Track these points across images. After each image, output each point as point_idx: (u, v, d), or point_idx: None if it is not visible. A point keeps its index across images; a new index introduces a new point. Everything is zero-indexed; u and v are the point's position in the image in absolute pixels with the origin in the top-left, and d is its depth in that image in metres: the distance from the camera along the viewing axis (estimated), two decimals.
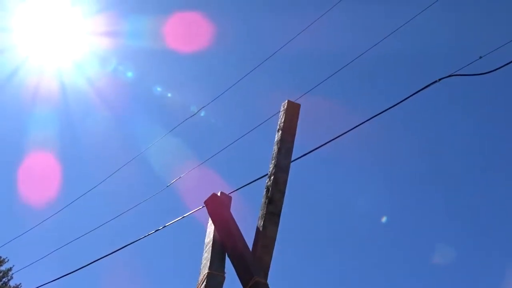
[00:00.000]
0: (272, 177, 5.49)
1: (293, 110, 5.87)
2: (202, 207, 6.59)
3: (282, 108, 5.91)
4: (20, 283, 16.96)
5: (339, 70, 7.30)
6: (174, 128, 9.71)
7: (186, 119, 9.29)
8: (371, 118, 6.31)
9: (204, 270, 5.40)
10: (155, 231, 7.51)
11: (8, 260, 16.56)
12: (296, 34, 9.18)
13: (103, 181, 9.56)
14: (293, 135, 5.76)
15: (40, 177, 13.75)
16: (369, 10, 11.45)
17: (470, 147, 12.96)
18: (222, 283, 5.39)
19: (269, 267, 5.35)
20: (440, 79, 6.30)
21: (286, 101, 5.92)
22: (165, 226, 7.52)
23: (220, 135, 12.61)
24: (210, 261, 5.42)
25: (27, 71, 14.94)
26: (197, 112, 9.28)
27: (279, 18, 12.30)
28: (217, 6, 12.51)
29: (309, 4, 11.82)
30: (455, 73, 6.31)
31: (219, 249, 5.52)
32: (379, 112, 6.32)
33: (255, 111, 12.54)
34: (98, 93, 14.64)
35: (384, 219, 12.59)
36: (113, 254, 7.24)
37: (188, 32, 12.50)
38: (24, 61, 15.10)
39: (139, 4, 13.43)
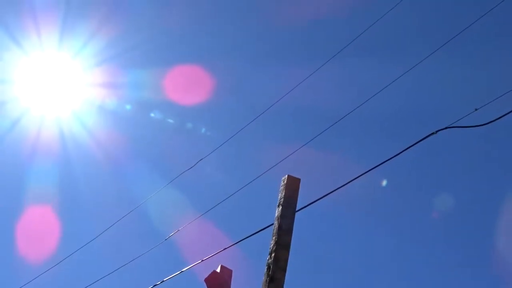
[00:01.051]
0: (273, 254, 5.40)
1: (293, 185, 5.82)
2: (201, 261, 6.52)
3: (282, 183, 5.85)
4: None
5: (335, 123, 7.31)
6: (172, 180, 9.70)
7: (184, 171, 9.28)
8: (368, 171, 6.28)
9: None
10: (153, 286, 7.41)
11: None
12: (293, 87, 9.25)
13: (100, 234, 9.49)
14: (293, 210, 5.69)
15: (38, 231, 13.68)
16: (365, 62, 11.58)
17: (466, 198, 12.89)
18: None
19: None
20: (437, 131, 6.29)
21: (286, 176, 5.87)
22: (163, 281, 7.43)
23: (219, 187, 12.59)
24: None
25: (27, 123, 15.02)
26: (195, 164, 9.28)
27: (278, 71, 12.46)
28: (217, 60, 12.67)
29: (306, 59, 11.97)
30: (452, 125, 6.31)
31: None
32: (375, 165, 6.30)
33: (254, 163, 12.54)
34: (97, 144, 14.68)
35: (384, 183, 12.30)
36: None
37: (188, 85, 12.63)
38: (25, 112, 15.23)
39: (139, 57, 13.58)
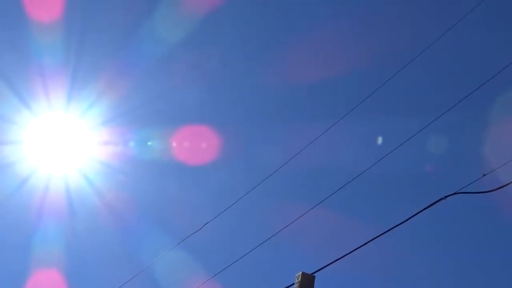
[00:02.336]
0: None
1: (307, 282, 5.76)
2: None
3: (296, 280, 5.81)
4: None
5: (341, 188, 7.30)
6: (179, 243, 9.62)
7: (191, 234, 9.21)
8: (375, 237, 6.23)
9: None
10: None
11: None
12: (302, 148, 9.26)
13: None
14: None
15: None
16: (373, 125, 11.63)
17: (476, 261, 12.69)
18: None
19: None
20: (445, 197, 6.27)
21: (300, 273, 5.83)
22: None
23: (227, 249, 12.47)
24: None
25: (35, 182, 15.06)
26: (202, 227, 9.22)
27: (287, 129, 12.51)
28: (225, 119, 12.75)
29: (316, 117, 12.04)
30: (460, 191, 6.29)
31: None
32: (384, 231, 6.25)
33: (261, 226, 12.47)
34: (104, 203, 14.66)
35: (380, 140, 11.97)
36: None
37: (195, 145, 12.68)
38: (33, 172, 15.28)
39: (145, 117, 13.69)
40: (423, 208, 6.25)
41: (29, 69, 14.17)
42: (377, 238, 6.30)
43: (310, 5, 11.68)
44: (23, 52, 13.11)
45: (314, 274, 6.23)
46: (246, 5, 11.80)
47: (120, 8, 12.41)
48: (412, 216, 6.27)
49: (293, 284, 5.80)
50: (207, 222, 8.72)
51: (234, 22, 12.13)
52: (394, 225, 6.22)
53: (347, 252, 6.25)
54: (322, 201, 7.21)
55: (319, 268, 6.34)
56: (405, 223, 6.36)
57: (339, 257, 6.23)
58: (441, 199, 6.26)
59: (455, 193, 6.27)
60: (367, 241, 6.25)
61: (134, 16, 12.48)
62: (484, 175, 6.18)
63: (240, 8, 11.76)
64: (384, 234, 6.20)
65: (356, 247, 6.24)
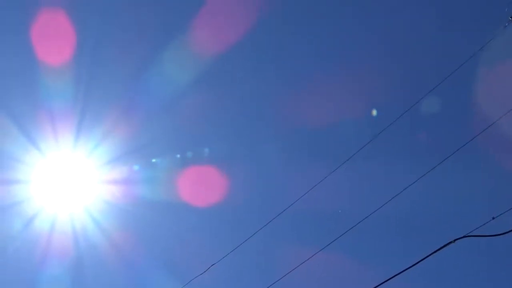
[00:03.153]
0: None
1: None
2: None
3: None
4: None
5: (349, 230, 7.27)
6: (185, 285, 9.55)
7: (197, 276, 9.16)
8: (384, 282, 6.16)
9: None
10: None
11: None
12: (307, 190, 9.26)
13: None
14: None
15: None
16: (379, 167, 11.63)
17: None
18: None
19: None
20: (455, 240, 6.22)
21: None
22: None
23: None
24: None
25: (41, 222, 15.04)
26: (208, 269, 9.15)
27: (292, 173, 12.53)
28: (231, 161, 12.80)
29: (320, 161, 12.06)
30: (470, 234, 6.24)
31: None
32: (393, 275, 6.19)
33: (267, 269, 12.37)
34: (110, 242, 14.61)
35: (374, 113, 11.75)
36: None
37: (201, 185, 12.70)
38: (39, 211, 15.28)
39: (152, 156, 13.73)
40: (432, 251, 6.21)
41: (37, 109, 14.31)
42: (386, 282, 6.24)
43: (315, 49, 11.85)
44: (32, 93, 13.26)
45: None
46: (255, 47, 11.94)
47: (129, 48, 12.57)
48: (422, 260, 6.22)
49: None
50: (213, 264, 8.69)
51: (243, 64, 12.26)
52: (403, 269, 6.16)
53: None
54: (329, 244, 7.17)
55: None
56: (415, 266, 6.31)
57: None
58: (450, 242, 6.22)
59: (464, 236, 6.23)
60: (376, 285, 6.19)
61: (143, 56, 12.63)
62: (493, 218, 6.15)
63: (250, 50, 11.91)
64: (393, 278, 6.13)
65: None
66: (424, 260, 6.35)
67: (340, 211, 11.74)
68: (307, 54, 11.80)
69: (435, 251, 6.20)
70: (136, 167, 14.68)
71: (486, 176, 11.44)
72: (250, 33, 11.45)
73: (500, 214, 6.17)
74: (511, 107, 8.23)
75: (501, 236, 6.19)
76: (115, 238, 14.30)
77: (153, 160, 14.65)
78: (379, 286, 6.29)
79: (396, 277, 6.34)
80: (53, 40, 12.72)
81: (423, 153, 12.14)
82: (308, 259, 7.61)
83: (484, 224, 6.23)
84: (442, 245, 6.24)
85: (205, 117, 12.63)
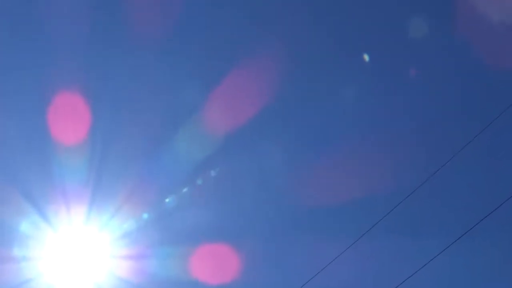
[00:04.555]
0: None
1: None
2: None
3: None
4: None
5: None
6: None
7: None
8: None
9: None
10: None
11: None
12: (322, 268, 9.23)
13: None
14: None
15: None
16: (392, 245, 11.63)
17: None
18: None
19: None
20: None
21: None
22: None
23: None
24: None
25: None
26: None
27: (305, 248, 12.52)
28: (244, 238, 12.82)
29: (333, 239, 12.06)
30: None
31: None
32: None
33: None
34: None
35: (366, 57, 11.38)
36: None
37: (215, 263, 12.67)
38: None
39: (165, 233, 13.78)
40: None
41: (50, 185, 14.43)
42: None
43: (323, 129, 12.04)
44: (45, 171, 13.40)
45: None
46: (266, 125, 12.14)
47: (141, 127, 12.78)
48: None
49: None
50: None
51: (253, 142, 12.43)
52: None
53: None
54: None
55: None
56: None
57: None
58: None
59: None
60: None
61: (155, 135, 12.84)
62: None
63: (259, 129, 12.10)
64: None
65: None
66: None
67: None
68: (314, 133, 11.99)
69: None
70: (148, 243, 14.68)
71: (499, 253, 11.39)
72: (258, 114, 11.67)
73: None
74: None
75: None
76: None
77: (166, 236, 14.68)
78: None
79: None
80: (68, 120, 12.97)
81: (436, 228, 12.13)
82: None
83: None
84: None
85: (216, 195, 12.73)
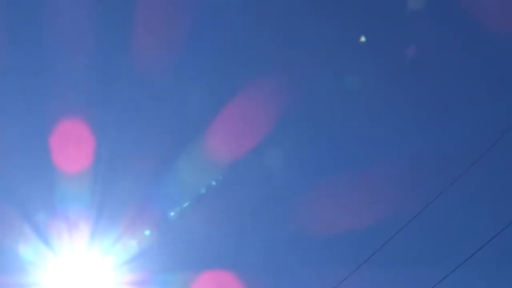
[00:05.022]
0: None
1: None
2: None
3: None
4: None
5: None
6: None
7: None
8: None
9: None
10: None
11: None
12: None
13: None
14: None
15: None
16: (391, 275, 11.68)
17: None
18: None
19: None
20: None
21: None
22: None
23: None
24: None
25: None
26: None
27: (306, 277, 12.57)
28: (246, 267, 12.87)
29: (333, 268, 12.12)
30: None
31: None
32: None
33: None
34: None
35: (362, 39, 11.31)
36: None
37: None
38: None
39: (168, 259, 13.83)
40: None
41: (52, 211, 14.51)
42: None
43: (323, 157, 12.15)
44: (48, 199, 13.50)
45: None
46: (268, 154, 12.25)
47: (144, 155, 12.89)
48: None
49: None
50: None
51: (257, 170, 12.52)
52: None
53: None
54: None
55: None
56: None
57: None
58: None
59: None
60: None
61: (159, 162, 12.92)
62: None
63: (262, 157, 12.20)
64: None
65: None
66: None
67: None
68: (317, 161, 12.09)
69: None
70: (150, 269, 14.70)
71: (498, 280, 11.39)
72: (262, 142, 11.77)
73: None
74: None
75: None
76: None
77: (168, 262, 14.71)
78: None
79: None
80: (71, 146, 13.07)
81: (432, 258, 12.15)
82: None
83: None
84: None
85: (218, 222, 12.79)
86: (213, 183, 12.61)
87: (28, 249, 14.78)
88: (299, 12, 11.45)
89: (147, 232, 14.56)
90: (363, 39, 11.28)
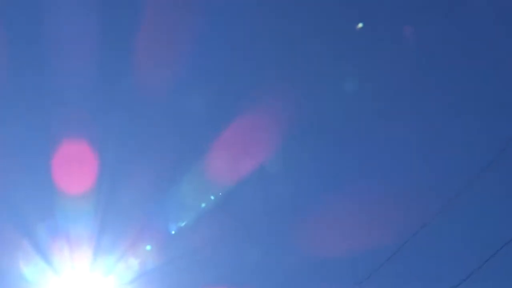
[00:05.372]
0: None
1: None
2: None
3: None
4: None
5: None
6: None
7: None
8: None
9: None
10: None
11: None
12: None
13: None
14: None
15: None
16: None
17: None
18: None
19: None
20: None
21: None
22: None
23: None
24: None
25: None
26: None
27: None
28: (252, 285, 12.79)
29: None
30: None
31: None
32: None
33: None
34: None
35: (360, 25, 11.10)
36: None
37: None
38: None
39: (169, 279, 13.74)
40: None
41: (55, 231, 14.45)
42: None
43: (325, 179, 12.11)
44: (49, 219, 13.46)
45: None
46: (270, 175, 12.19)
47: (147, 175, 12.85)
48: None
49: None
50: None
51: (257, 192, 12.46)
52: None
53: None
54: None
55: None
56: None
57: None
58: None
59: None
60: None
61: (161, 180, 12.90)
62: None
63: (263, 178, 12.15)
64: None
65: None
66: None
67: None
68: (316, 184, 12.06)
69: None
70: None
71: None
72: (264, 163, 11.73)
73: None
74: None
75: None
76: None
77: (172, 282, 14.58)
78: None
79: None
80: (72, 167, 13.04)
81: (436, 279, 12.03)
82: None
83: None
84: None
85: (220, 244, 12.71)
86: (216, 200, 12.55)
87: (29, 269, 14.71)
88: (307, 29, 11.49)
89: (149, 251, 14.48)
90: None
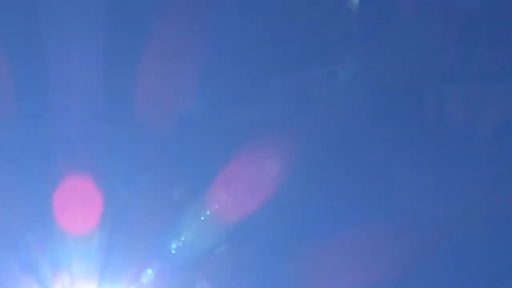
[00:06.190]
0: None
1: None
2: None
3: None
4: None
5: None
6: None
7: None
8: None
9: None
10: None
11: None
12: None
13: None
14: None
15: None
16: None
17: None
18: None
19: None
20: None
21: None
22: None
23: None
24: None
25: None
26: None
27: None
28: None
29: None
30: None
31: None
32: None
33: None
34: None
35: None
36: None
37: None
38: None
39: None
40: None
41: (56, 270, 14.50)
42: None
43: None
44: (50, 252, 13.54)
45: None
46: (275, 210, 12.24)
47: (148, 211, 12.93)
48: None
49: None
50: None
51: (262, 227, 12.52)
52: None
53: None
54: None
55: None
56: None
57: None
58: None
59: None
60: None
61: (163, 222, 12.97)
62: None
63: (269, 213, 12.21)
64: None
65: None
66: None
67: None
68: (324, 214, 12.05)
69: None
70: None
71: None
72: (268, 200, 11.76)
73: None
74: None
75: None
76: None
77: None
78: None
79: None
80: (74, 203, 13.11)
81: None
82: None
83: None
84: None
85: (224, 276, 12.72)
86: (221, 238, 12.61)
87: None
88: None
89: (153, 283, 14.52)
90: None
